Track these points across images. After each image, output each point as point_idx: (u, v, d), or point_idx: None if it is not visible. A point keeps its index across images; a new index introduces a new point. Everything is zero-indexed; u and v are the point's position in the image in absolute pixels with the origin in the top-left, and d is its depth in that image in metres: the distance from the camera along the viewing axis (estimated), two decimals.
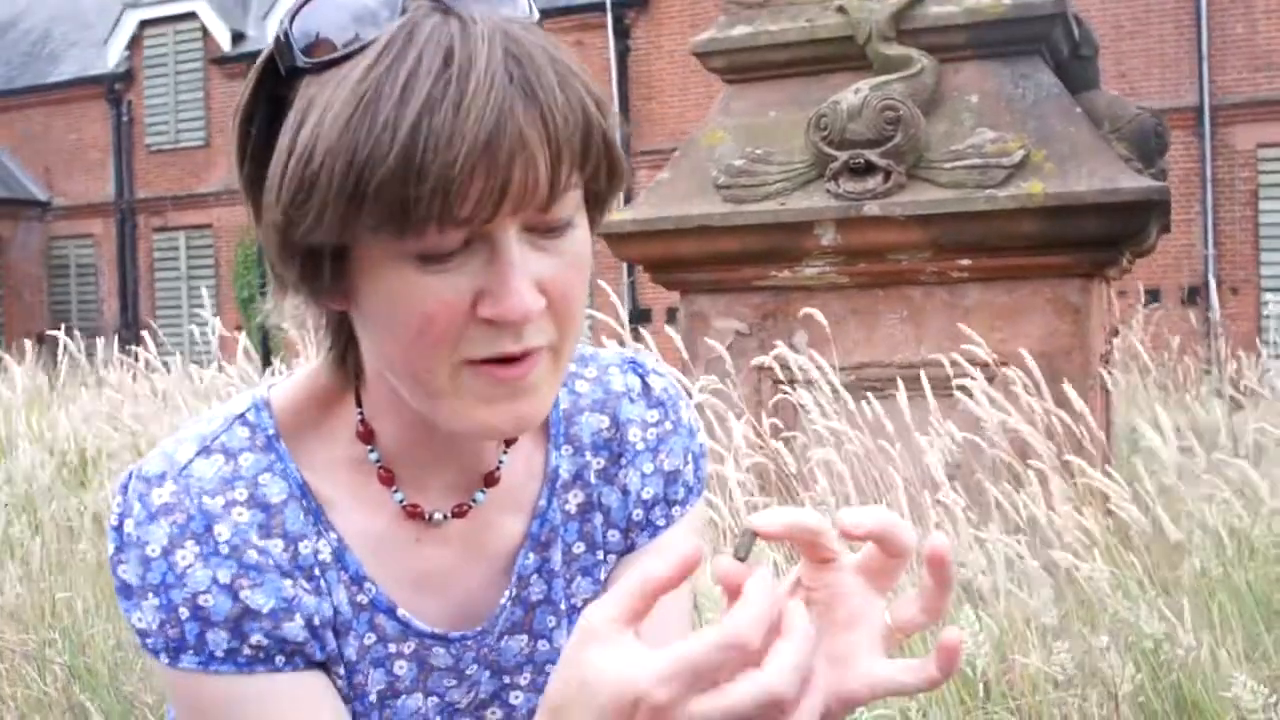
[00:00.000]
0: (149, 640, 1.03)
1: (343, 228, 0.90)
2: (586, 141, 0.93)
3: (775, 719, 0.79)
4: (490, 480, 1.14)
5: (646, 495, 1.21)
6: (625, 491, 1.21)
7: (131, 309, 26.21)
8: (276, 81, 0.97)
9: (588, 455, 1.20)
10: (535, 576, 1.17)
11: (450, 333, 0.94)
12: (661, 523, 1.22)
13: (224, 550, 1.02)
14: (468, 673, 1.16)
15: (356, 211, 0.89)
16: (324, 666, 1.09)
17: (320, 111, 0.90)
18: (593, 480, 1.20)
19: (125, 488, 1.06)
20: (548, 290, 0.95)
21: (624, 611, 0.82)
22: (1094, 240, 4.66)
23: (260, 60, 0.99)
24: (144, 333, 6.79)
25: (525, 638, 1.18)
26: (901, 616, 0.89)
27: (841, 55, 5.09)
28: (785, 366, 4.51)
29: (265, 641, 1.03)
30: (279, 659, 1.04)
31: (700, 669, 0.78)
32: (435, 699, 1.16)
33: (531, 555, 1.17)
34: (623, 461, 1.21)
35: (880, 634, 0.89)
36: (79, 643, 3.77)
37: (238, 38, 25.30)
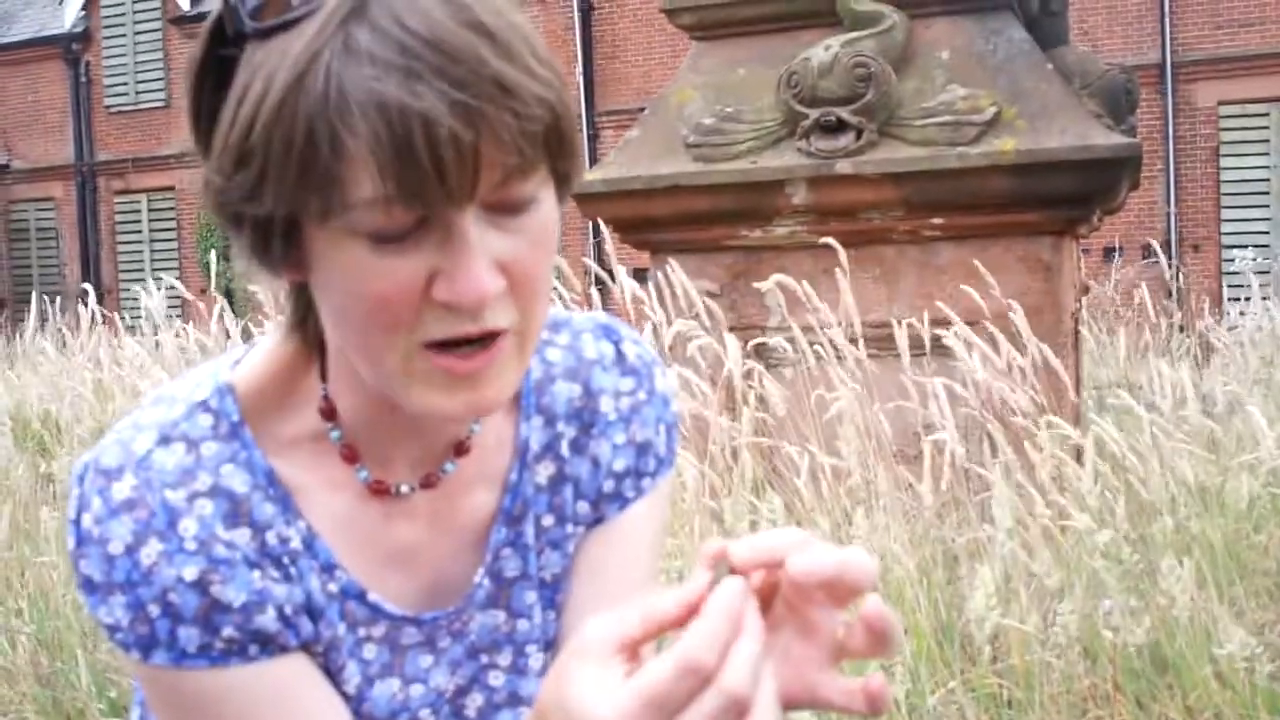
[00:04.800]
0: (118, 635, 1.00)
1: (281, 203, 0.87)
2: (546, 118, 0.88)
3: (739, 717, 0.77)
4: (461, 450, 1.11)
5: (618, 467, 1.18)
6: (596, 463, 1.18)
7: (94, 273, 25.98)
8: (225, 44, 0.93)
9: (559, 425, 1.17)
10: (508, 550, 1.15)
11: (405, 315, 0.90)
12: (631, 495, 1.20)
13: (190, 546, 0.99)
14: (441, 645, 1.13)
15: (293, 188, 0.86)
16: (304, 649, 1.06)
17: (263, 81, 0.87)
18: (564, 452, 1.17)
19: (81, 480, 1.01)
20: (509, 270, 0.91)
21: (621, 638, 0.79)
22: (1066, 198, 4.66)
23: (209, 21, 0.95)
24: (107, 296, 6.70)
25: (503, 615, 1.16)
26: (850, 644, 0.86)
27: (811, 11, 5.05)
28: (759, 327, 4.50)
29: (237, 635, 1.01)
30: (253, 649, 1.02)
31: (661, 701, 0.75)
32: (419, 686, 1.13)
33: (504, 529, 1.14)
34: (593, 432, 1.18)
35: (831, 646, 0.86)
36: (47, 612, 3.74)
37: None
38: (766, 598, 0.84)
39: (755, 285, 4.82)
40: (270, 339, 1.09)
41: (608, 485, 1.18)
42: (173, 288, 5.87)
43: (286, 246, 0.92)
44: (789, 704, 0.87)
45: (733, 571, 0.81)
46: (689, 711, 0.75)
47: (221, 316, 6.07)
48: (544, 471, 1.16)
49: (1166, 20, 18.52)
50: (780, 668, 0.86)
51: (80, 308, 6.71)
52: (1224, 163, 18.60)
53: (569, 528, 1.18)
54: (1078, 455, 3.97)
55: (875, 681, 0.84)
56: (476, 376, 0.93)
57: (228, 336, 6.30)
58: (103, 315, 6.57)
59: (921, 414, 3.96)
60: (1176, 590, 2.78)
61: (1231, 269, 12.98)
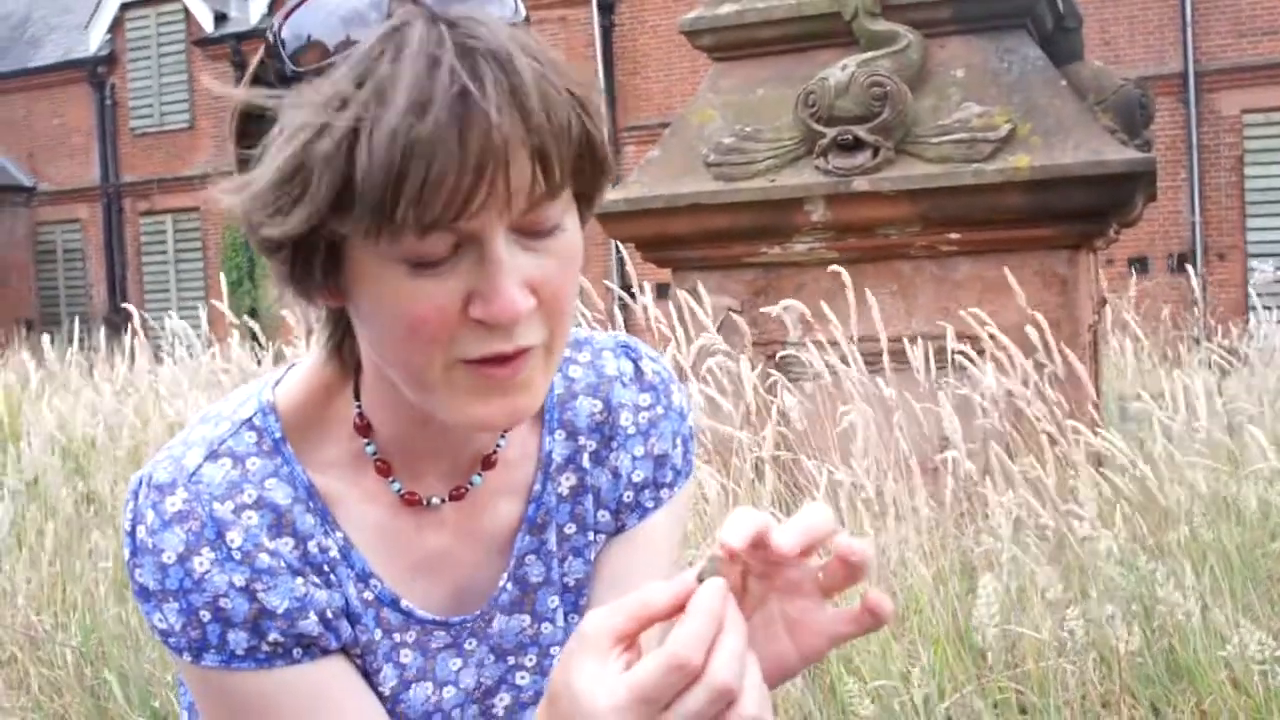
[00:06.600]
0: (171, 640, 1.08)
1: (318, 233, 0.93)
2: (571, 145, 0.93)
3: (727, 707, 0.85)
4: (488, 463, 1.17)
5: (637, 478, 1.25)
6: (616, 474, 1.24)
7: (120, 294, 26.12)
8: (268, 86, 0.98)
9: (581, 439, 1.23)
10: (532, 557, 1.21)
11: (442, 334, 0.95)
12: (650, 505, 1.26)
13: (237, 556, 1.06)
14: (468, 648, 1.20)
15: (327, 219, 0.91)
16: (343, 651, 1.13)
17: (300, 120, 0.91)
18: (585, 464, 1.23)
19: (136, 494, 1.09)
20: (538, 290, 0.96)
21: (616, 631, 0.88)
22: (1081, 212, 4.71)
23: (253, 65, 1.01)
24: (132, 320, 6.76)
25: (528, 618, 1.22)
26: (829, 583, 0.94)
27: (828, 32, 5.14)
28: (780, 342, 4.56)
29: (282, 639, 1.08)
30: (296, 651, 1.09)
31: (651, 695, 0.84)
32: (450, 689, 1.20)
33: (527, 537, 1.21)
34: (613, 445, 1.24)
35: (818, 590, 0.95)
36: (90, 626, 3.81)
37: (220, 19, 25.13)
38: (736, 579, 0.92)
39: (776, 301, 4.89)
40: (309, 359, 1.17)
41: (627, 495, 1.25)
42: (198, 315, 5.97)
43: (326, 275, 0.98)
44: (812, 658, 0.97)
45: (730, 557, 0.89)
46: (682, 703, 0.85)
47: (242, 342, 6.16)
48: (566, 482, 1.23)
49: (1189, 29, 18.43)
50: (787, 630, 0.96)
51: (113, 331, 6.79)
52: (1248, 171, 18.49)
53: (590, 535, 1.25)
54: (1099, 464, 4.03)
55: (872, 596, 0.93)
56: (510, 384, 0.99)
57: (258, 355, 6.38)
58: (136, 336, 6.65)
59: (940, 427, 4.02)
60: (1178, 597, 2.83)
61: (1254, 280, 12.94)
